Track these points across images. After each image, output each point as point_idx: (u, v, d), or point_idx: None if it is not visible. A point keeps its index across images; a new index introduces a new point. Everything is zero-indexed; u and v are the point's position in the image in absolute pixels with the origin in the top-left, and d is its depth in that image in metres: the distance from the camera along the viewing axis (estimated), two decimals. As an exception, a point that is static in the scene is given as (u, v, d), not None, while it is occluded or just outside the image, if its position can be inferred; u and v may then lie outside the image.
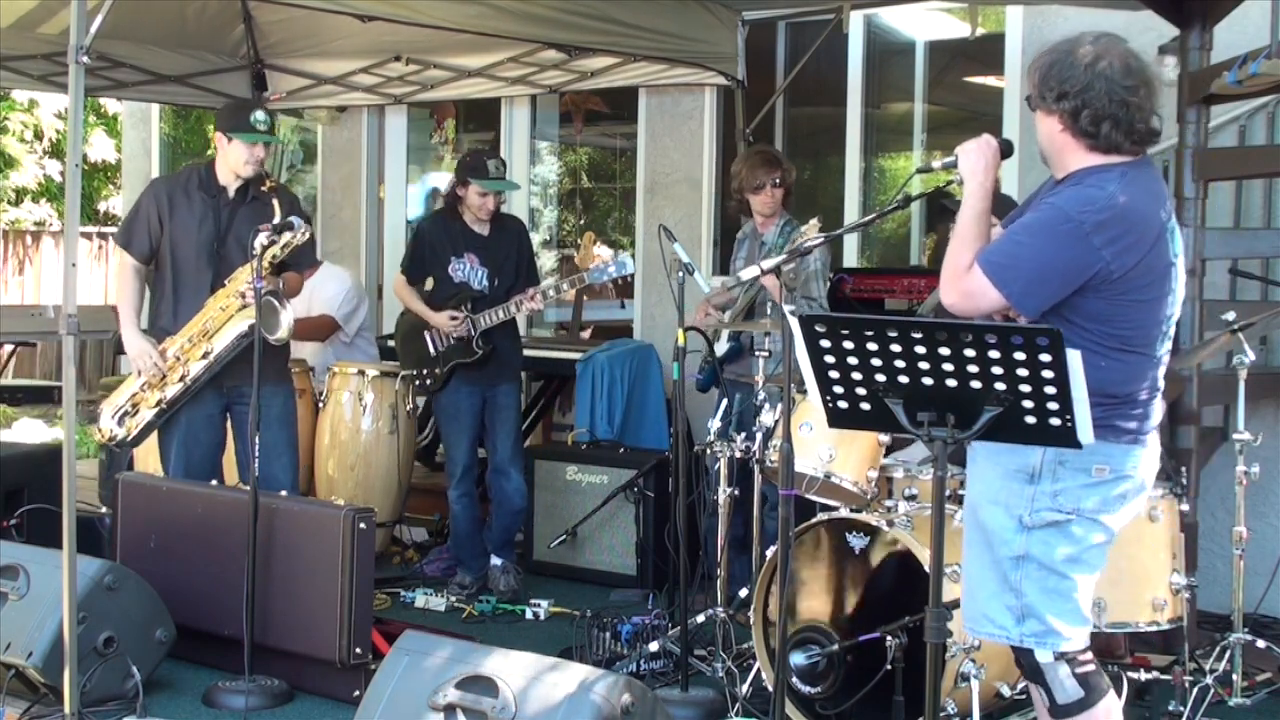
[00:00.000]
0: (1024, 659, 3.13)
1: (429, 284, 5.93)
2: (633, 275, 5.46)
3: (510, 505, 5.98)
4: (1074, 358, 2.72)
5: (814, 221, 4.96)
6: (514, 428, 5.99)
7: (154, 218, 5.16)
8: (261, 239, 4.77)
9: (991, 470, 3.09)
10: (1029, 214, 3.11)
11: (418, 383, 6.01)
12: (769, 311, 5.21)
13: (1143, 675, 4.36)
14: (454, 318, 5.76)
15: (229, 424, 5.28)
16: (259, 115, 5.10)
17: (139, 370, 5.09)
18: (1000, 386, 2.78)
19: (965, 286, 3.05)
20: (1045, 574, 3.05)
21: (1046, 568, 3.05)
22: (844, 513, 4.24)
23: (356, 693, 4.09)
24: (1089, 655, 3.12)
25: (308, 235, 4.98)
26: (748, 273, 3.73)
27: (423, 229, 6.04)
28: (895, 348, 2.83)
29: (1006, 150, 3.20)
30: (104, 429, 5.18)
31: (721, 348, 5.58)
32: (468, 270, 5.85)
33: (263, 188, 5.07)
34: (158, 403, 5.08)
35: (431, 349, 5.87)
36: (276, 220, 4.89)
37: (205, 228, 5.12)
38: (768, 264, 3.66)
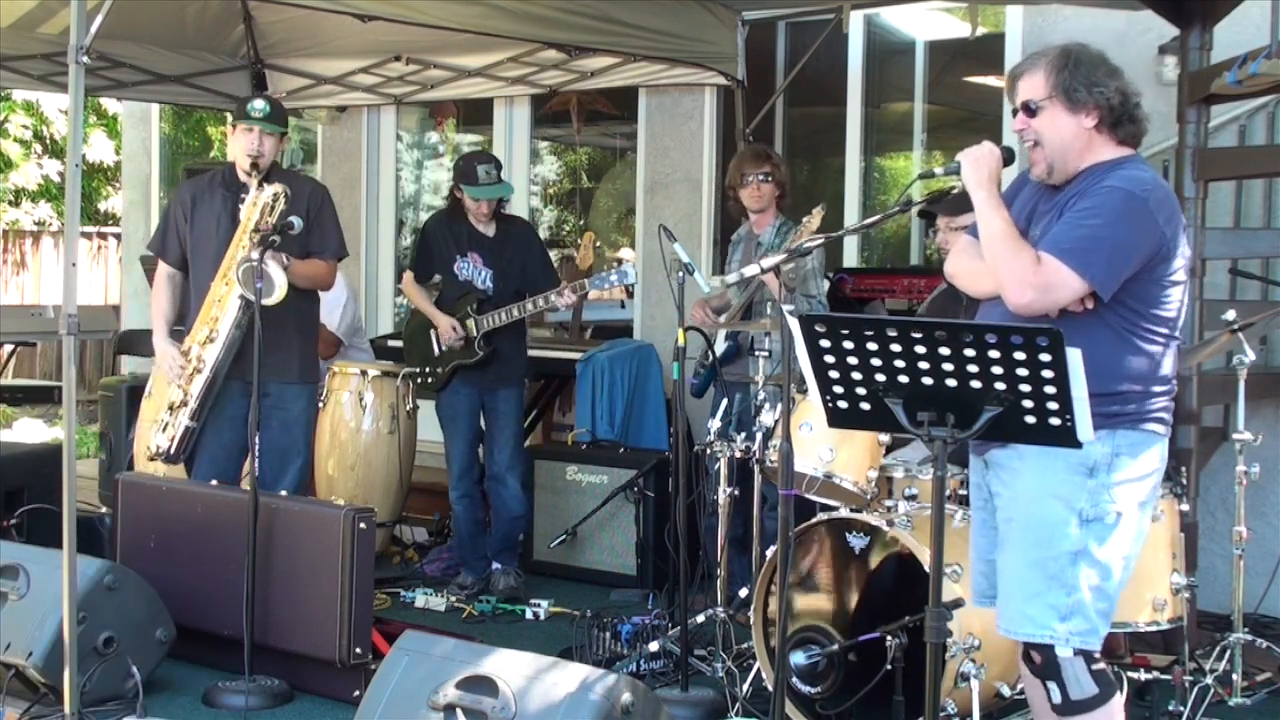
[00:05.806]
0: (1041, 654, 3.09)
1: (437, 279, 5.91)
2: (632, 285, 5.42)
3: (508, 512, 5.96)
4: (1074, 357, 2.72)
5: (818, 210, 4.95)
6: (513, 434, 5.94)
7: (180, 220, 5.22)
8: (243, 212, 4.87)
9: (1051, 464, 3.03)
10: (1082, 201, 3.07)
11: (419, 381, 6.00)
12: (769, 311, 5.21)
13: (1143, 675, 4.37)
14: (455, 329, 5.76)
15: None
16: (256, 104, 5.11)
17: (166, 374, 5.12)
18: (1000, 386, 2.78)
19: (1042, 280, 3.01)
20: (1097, 569, 3.05)
21: (1100, 563, 3.05)
22: (844, 513, 4.24)
23: (356, 693, 4.09)
24: (1099, 654, 3.12)
25: (277, 197, 4.91)
26: (750, 269, 3.74)
27: (428, 227, 6.02)
28: (895, 348, 2.82)
29: (1009, 158, 3.21)
30: (151, 445, 5.13)
31: (719, 348, 5.58)
32: (471, 270, 5.84)
33: (251, 175, 5.04)
34: (183, 402, 5.05)
35: (435, 348, 5.87)
36: (252, 192, 4.97)
37: (223, 223, 5.14)
38: (767, 262, 3.66)
